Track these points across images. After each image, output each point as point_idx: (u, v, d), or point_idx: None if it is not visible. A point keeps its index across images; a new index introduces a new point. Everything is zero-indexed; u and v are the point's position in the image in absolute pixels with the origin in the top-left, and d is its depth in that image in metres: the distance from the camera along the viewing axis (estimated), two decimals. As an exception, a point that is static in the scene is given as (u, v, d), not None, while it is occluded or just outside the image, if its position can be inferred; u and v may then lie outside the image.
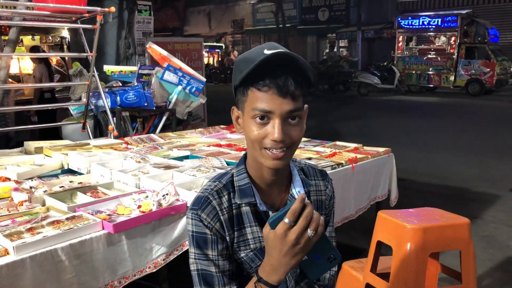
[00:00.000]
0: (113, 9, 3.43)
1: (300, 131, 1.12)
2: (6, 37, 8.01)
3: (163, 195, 2.10)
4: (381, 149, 3.39)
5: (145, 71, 4.30)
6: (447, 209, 2.50)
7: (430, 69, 16.11)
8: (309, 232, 0.97)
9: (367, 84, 15.74)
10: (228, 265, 1.17)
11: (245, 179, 1.19)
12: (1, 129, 4.70)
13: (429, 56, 16.31)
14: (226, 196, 1.18)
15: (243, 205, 1.18)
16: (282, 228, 0.97)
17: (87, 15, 3.66)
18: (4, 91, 4.66)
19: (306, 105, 1.17)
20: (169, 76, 4.22)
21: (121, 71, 4.52)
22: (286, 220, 0.97)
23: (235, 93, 1.16)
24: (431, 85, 16.28)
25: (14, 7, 3.52)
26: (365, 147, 3.55)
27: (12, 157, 2.99)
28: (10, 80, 6.44)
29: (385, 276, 2.36)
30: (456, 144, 7.93)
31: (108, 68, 4.46)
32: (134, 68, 4.54)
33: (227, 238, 1.17)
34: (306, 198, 1.22)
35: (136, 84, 4.22)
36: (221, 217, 1.16)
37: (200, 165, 2.60)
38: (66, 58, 7.59)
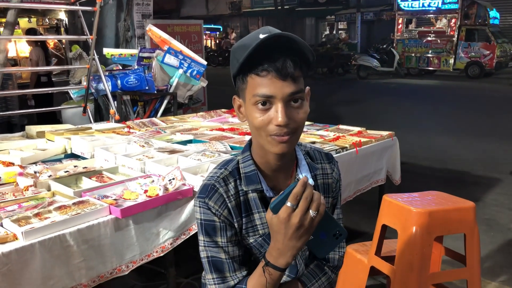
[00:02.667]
0: (113, -10, 3.37)
1: (304, 113, 1.11)
2: (3, 19, 7.93)
3: (169, 180, 2.10)
4: (384, 133, 3.38)
5: (146, 54, 4.25)
6: (449, 192, 2.50)
7: (430, 51, 16.01)
8: (311, 212, 0.98)
9: (366, 67, 15.66)
10: (238, 251, 1.18)
11: (251, 165, 1.19)
12: (2, 113, 4.66)
13: (429, 38, 16.19)
14: (233, 183, 1.18)
15: (250, 191, 1.18)
16: (285, 212, 0.97)
17: (86, -4, 3.60)
18: (5, 75, 4.61)
19: (308, 87, 1.16)
20: (170, 59, 4.17)
21: (121, 54, 4.47)
22: (288, 204, 0.97)
23: (234, 82, 1.14)
24: (431, 68, 16.20)
25: (12, -11, 3.45)
26: (368, 131, 3.54)
27: (14, 141, 2.96)
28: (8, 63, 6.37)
29: (389, 259, 2.38)
30: (456, 127, 7.93)
31: (107, 51, 4.40)
32: (134, 51, 4.48)
33: (236, 224, 1.17)
34: (310, 180, 1.22)
35: (136, 67, 4.17)
36: (229, 204, 1.16)
37: (205, 150, 2.59)
38: (63, 41, 7.50)
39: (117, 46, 5.19)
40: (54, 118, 5.84)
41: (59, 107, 4.57)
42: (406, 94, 12.45)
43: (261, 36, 1.06)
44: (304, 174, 1.24)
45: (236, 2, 24.81)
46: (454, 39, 15.46)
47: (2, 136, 3.17)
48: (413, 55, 16.34)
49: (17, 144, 2.88)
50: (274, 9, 21.63)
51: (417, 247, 2.24)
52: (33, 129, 3.21)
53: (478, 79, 14.86)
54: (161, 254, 2.02)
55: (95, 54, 3.82)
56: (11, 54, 7.79)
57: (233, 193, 1.17)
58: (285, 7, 21.51)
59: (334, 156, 2.81)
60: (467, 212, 2.35)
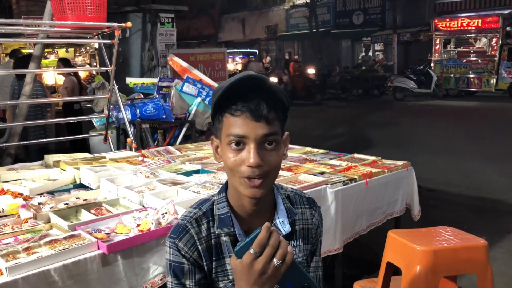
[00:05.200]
0: (129, 24, 3.49)
1: (278, 157, 1.09)
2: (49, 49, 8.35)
3: (162, 214, 2.10)
4: (399, 163, 3.26)
5: (165, 83, 4.36)
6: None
7: (470, 72, 15.50)
8: (275, 261, 0.94)
9: (402, 89, 15.35)
10: None
11: (225, 208, 1.17)
12: (38, 140, 4.85)
13: (469, 58, 15.69)
14: (205, 225, 1.16)
15: (223, 234, 1.15)
16: (248, 258, 0.94)
17: (106, 30, 3.75)
18: (45, 104, 4.87)
19: (287, 132, 1.17)
20: (188, 88, 4.25)
21: (143, 83, 4.61)
22: (251, 250, 0.94)
23: (213, 122, 1.15)
24: (471, 89, 15.66)
25: (39, 25, 3.64)
26: (383, 160, 3.43)
27: (31, 171, 3.08)
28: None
29: (396, 298, 2.26)
30: (494, 152, 7.53)
31: (130, 81, 4.55)
32: (155, 80, 4.61)
33: (205, 267, 1.15)
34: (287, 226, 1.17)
35: (156, 96, 4.27)
36: (199, 246, 1.14)
37: (206, 181, 2.58)
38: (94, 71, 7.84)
39: (142, 75, 5.37)
40: (85, 145, 6.06)
41: (82, 136, 4.73)
42: (444, 116, 12.05)
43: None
44: (281, 220, 1.21)
45: (272, 26, 25.13)
46: (495, 58, 14.91)
47: (22, 165, 3.30)
48: (452, 76, 15.87)
49: (33, 174, 2.99)
50: (309, 32, 21.78)
51: (422, 287, 2.12)
52: (50, 158, 3.33)
53: (522, 100, 14.20)
54: (151, 290, 2.00)
55: (115, 84, 3.95)
56: (50, 82, 8.22)
57: (205, 235, 1.15)
58: (320, 29, 21.61)
59: (341, 188, 2.77)
60: (478, 251, 2.20)
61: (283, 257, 0.94)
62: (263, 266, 0.93)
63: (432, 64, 16.28)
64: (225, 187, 1.21)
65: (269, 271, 0.94)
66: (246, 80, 1.05)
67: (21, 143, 3.95)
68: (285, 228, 1.20)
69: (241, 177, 1.07)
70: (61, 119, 4.78)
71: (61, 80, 8.47)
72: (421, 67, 15.90)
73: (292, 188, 1.34)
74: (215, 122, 1.13)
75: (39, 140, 4.28)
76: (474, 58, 15.55)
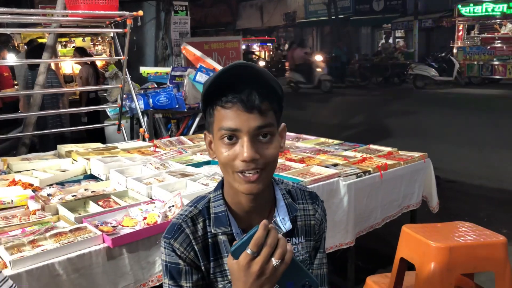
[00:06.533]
0: (141, 12, 3.45)
1: (274, 150, 1.04)
2: (63, 39, 8.41)
3: (169, 207, 2.07)
4: (416, 154, 3.16)
5: (178, 73, 4.31)
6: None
7: (494, 59, 15.00)
8: (274, 261, 0.89)
9: (423, 76, 14.97)
10: None
11: (221, 206, 1.12)
12: (53, 130, 4.90)
13: (493, 45, 15.19)
14: (201, 224, 1.12)
15: (219, 234, 1.11)
16: (245, 259, 0.89)
17: (118, 19, 3.71)
18: (59, 93, 4.90)
19: (283, 124, 1.10)
20: (201, 77, 4.19)
21: (157, 72, 4.57)
22: (248, 251, 0.89)
23: (205, 117, 1.10)
24: (496, 77, 15.15)
25: (52, 15, 3.63)
26: (400, 152, 3.32)
27: (44, 161, 3.08)
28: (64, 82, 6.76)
29: (410, 295, 2.19)
30: (516, 142, 7.30)
31: (144, 70, 4.53)
32: (169, 69, 4.57)
33: (202, 268, 1.10)
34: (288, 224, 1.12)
35: (168, 85, 4.24)
36: (195, 246, 1.09)
37: (216, 173, 2.54)
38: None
39: (156, 64, 5.33)
40: (102, 134, 6.09)
41: (94, 125, 4.74)
42: (466, 104, 11.73)
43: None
44: (282, 217, 1.16)
45: (291, 13, 24.80)
46: (522, 45, 14.41)
47: (35, 155, 3.32)
48: (475, 63, 15.38)
49: (45, 164, 2.99)
50: (328, 18, 21.42)
51: (436, 286, 2.04)
52: (63, 148, 3.33)
53: (549, 88, 13.71)
54: (157, 284, 1.98)
55: (128, 74, 3.92)
56: (68, 71, 8.28)
57: (201, 234, 1.11)
58: (339, 16, 21.23)
59: (354, 181, 2.69)
60: (496, 248, 2.11)
61: (282, 256, 0.89)
62: (261, 266, 0.88)
63: (454, 51, 15.83)
64: (221, 184, 1.16)
65: (268, 272, 0.89)
66: (235, 69, 0.99)
67: (34, 132, 3.97)
68: (286, 225, 1.15)
69: (235, 172, 1.02)
70: (75, 108, 4.80)
71: (78, 69, 8.56)
72: (443, 54, 15.51)
73: (293, 183, 1.28)
74: (206, 116, 1.07)
75: (54, 130, 4.30)
76: (499, 45, 15.05)
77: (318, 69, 15.18)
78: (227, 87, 0.99)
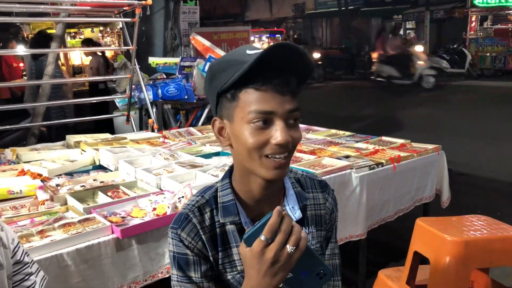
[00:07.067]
0: (149, 1, 3.40)
1: (300, 133, 1.02)
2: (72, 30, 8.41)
3: (179, 198, 2.03)
4: (429, 146, 3.09)
5: (187, 63, 4.27)
6: None
7: (508, 50, 14.75)
8: (289, 248, 0.86)
9: (434, 68, 14.75)
10: (214, 287, 1.08)
11: (229, 195, 1.08)
12: (60, 121, 4.89)
13: (507, 36, 14.93)
14: (209, 213, 1.08)
15: (228, 223, 1.07)
16: (259, 246, 0.86)
17: (127, 8, 3.67)
18: (61, 84, 4.88)
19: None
20: (211, 67, 4.14)
21: (166, 63, 4.53)
22: (262, 237, 0.86)
23: (216, 102, 1.03)
24: (509, 68, 14.92)
25: (60, 4, 3.60)
26: (413, 144, 3.26)
27: (52, 151, 3.07)
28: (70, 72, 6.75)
29: (424, 288, 2.14)
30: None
31: (153, 60, 4.49)
32: (178, 60, 4.52)
33: (211, 258, 1.07)
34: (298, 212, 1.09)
35: (177, 76, 4.20)
36: (203, 236, 1.06)
37: (225, 164, 2.50)
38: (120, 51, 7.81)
39: (165, 54, 5.29)
40: (111, 125, 6.08)
41: (103, 116, 4.71)
42: (478, 97, 11.55)
43: (248, 52, 0.98)
44: (291, 205, 1.12)
45: (300, 4, 24.58)
46: (536, 36, 14.14)
47: (44, 145, 3.31)
48: (488, 54, 15.14)
49: (54, 154, 2.97)
50: (338, 10, 21.19)
51: (451, 280, 1.99)
52: (71, 138, 3.31)
53: None
54: (167, 275, 1.95)
55: (136, 64, 3.89)
56: (77, 62, 8.29)
57: (209, 224, 1.08)
58: (349, 7, 20.98)
59: (367, 173, 2.64)
60: (513, 243, 2.05)
61: (297, 243, 0.86)
62: (275, 253, 0.85)
63: (466, 43, 15.58)
64: (228, 173, 1.12)
65: (282, 259, 0.86)
66: (281, 49, 0.93)
67: (44, 123, 3.96)
68: (296, 214, 1.12)
69: (263, 157, 0.97)
70: (83, 99, 4.78)
71: (87, 61, 8.56)
72: (455, 45, 15.23)
73: (302, 171, 1.24)
74: (223, 100, 1.01)
75: (61, 121, 4.28)
76: (513, 36, 14.80)
77: (420, 62, 13.40)
78: (262, 68, 0.94)
